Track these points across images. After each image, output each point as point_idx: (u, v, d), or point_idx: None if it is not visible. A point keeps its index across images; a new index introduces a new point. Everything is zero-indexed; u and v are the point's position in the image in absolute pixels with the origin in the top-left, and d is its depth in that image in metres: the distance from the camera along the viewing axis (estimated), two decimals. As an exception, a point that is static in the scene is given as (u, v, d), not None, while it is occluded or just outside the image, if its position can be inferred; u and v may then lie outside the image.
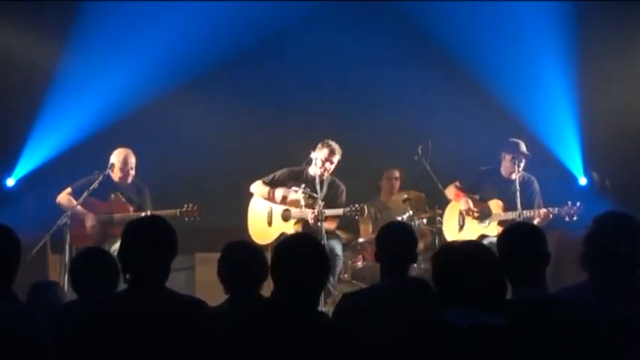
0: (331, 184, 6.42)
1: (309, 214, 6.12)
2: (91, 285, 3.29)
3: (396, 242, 3.65)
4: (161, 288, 2.79)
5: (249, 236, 6.44)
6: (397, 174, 7.36)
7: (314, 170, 6.27)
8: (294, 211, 6.33)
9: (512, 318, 2.42)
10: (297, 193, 6.27)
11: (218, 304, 3.40)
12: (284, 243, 2.81)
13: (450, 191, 6.64)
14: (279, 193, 6.35)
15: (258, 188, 6.55)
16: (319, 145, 6.34)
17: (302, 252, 2.73)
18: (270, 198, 6.42)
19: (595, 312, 2.72)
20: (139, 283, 2.78)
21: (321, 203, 6.03)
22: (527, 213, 6.07)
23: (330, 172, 6.35)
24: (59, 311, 3.26)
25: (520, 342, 2.39)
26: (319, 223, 5.89)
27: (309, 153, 6.31)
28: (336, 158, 6.32)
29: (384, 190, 7.42)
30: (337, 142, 6.41)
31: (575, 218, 5.94)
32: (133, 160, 6.46)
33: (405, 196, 6.99)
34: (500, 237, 3.01)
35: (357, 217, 6.21)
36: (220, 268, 3.47)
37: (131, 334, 2.65)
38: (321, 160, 6.27)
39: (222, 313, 3.25)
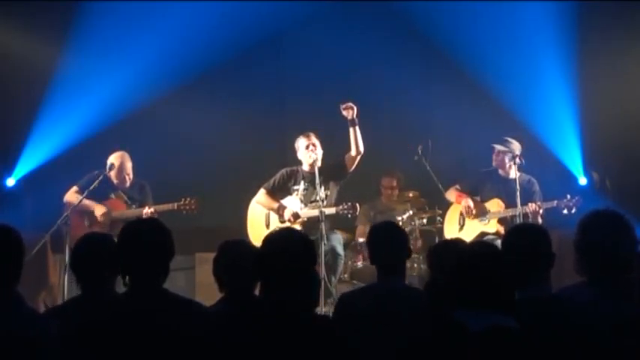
0: (322, 172, 6.27)
1: (287, 213, 6.24)
2: (94, 270, 3.26)
3: (385, 242, 3.64)
4: (159, 290, 2.79)
5: (248, 240, 6.43)
6: (394, 183, 7.32)
7: (306, 166, 6.34)
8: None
9: (518, 318, 2.42)
10: (303, 209, 6.29)
11: (213, 303, 3.40)
12: (265, 240, 2.75)
13: (451, 194, 6.68)
14: (288, 213, 6.30)
15: (264, 201, 6.50)
16: (295, 143, 6.39)
17: (281, 246, 2.66)
18: (280, 215, 6.39)
19: (597, 312, 2.73)
20: (137, 285, 2.78)
21: (321, 203, 6.04)
22: (521, 209, 6.09)
23: (319, 158, 6.28)
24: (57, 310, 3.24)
25: (528, 342, 2.39)
26: (321, 224, 5.89)
27: (296, 157, 6.41)
28: (313, 139, 6.32)
29: (384, 193, 7.41)
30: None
31: (573, 211, 6.00)
32: (129, 166, 6.48)
33: (406, 196, 7.02)
34: (505, 238, 3.01)
35: (349, 216, 6.20)
36: (216, 267, 3.47)
37: (129, 336, 2.65)
38: (304, 151, 6.30)
39: (217, 312, 3.24)
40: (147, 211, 6.24)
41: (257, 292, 3.39)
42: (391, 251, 3.62)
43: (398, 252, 3.63)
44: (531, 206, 6.11)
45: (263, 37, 7.82)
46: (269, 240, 2.74)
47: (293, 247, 2.66)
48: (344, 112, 6.17)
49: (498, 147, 6.45)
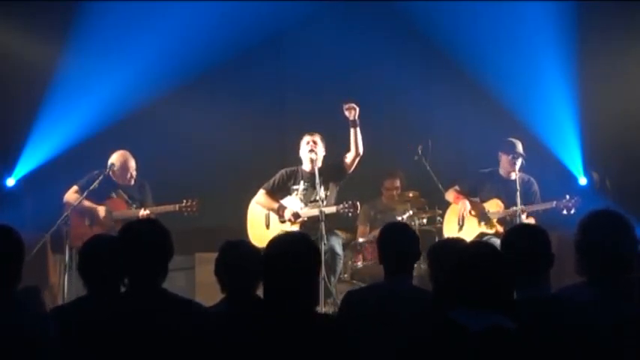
0: (322, 172, 6.29)
1: (287, 213, 6.25)
2: (100, 272, 3.27)
3: (397, 242, 3.64)
4: (158, 290, 2.80)
5: (248, 240, 6.43)
6: (397, 183, 7.32)
7: (307, 166, 6.36)
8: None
9: (517, 318, 2.42)
10: (303, 208, 6.31)
11: (214, 303, 3.41)
12: (270, 242, 2.78)
13: (450, 195, 6.67)
14: (289, 213, 6.31)
15: (263, 202, 6.50)
16: (301, 141, 6.43)
17: (286, 248, 2.69)
18: (280, 215, 6.39)
19: (597, 312, 2.73)
20: (136, 285, 2.78)
21: (321, 203, 6.04)
22: (519, 209, 6.10)
23: (319, 158, 6.32)
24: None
25: (528, 343, 2.39)
26: (321, 223, 5.89)
27: (297, 156, 6.44)
28: (315, 137, 6.36)
29: (385, 194, 7.41)
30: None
31: (572, 212, 6.01)
32: (132, 164, 6.49)
33: (406, 196, 7.02)
34: (504, 238, 3.02)
35: (349, 215, 6.20)
36: (217, 267, 3.47)
37: (128, 336, 2.66)
38: (304, 146, 6.35)
39: (218, 312, 3.24)
40: (143, 213, 6.24)
41: (258, 292, 3.43)
42: (396, 251, 3.62)
43: (403, 252, 3.64)
44: (522, 209, 6.11)
45: (263, 37, 7.82)
46: (273, 242, 2.76)
47: (296, 248, 2.68)
48: (346, 112, 6.16)
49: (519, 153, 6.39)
